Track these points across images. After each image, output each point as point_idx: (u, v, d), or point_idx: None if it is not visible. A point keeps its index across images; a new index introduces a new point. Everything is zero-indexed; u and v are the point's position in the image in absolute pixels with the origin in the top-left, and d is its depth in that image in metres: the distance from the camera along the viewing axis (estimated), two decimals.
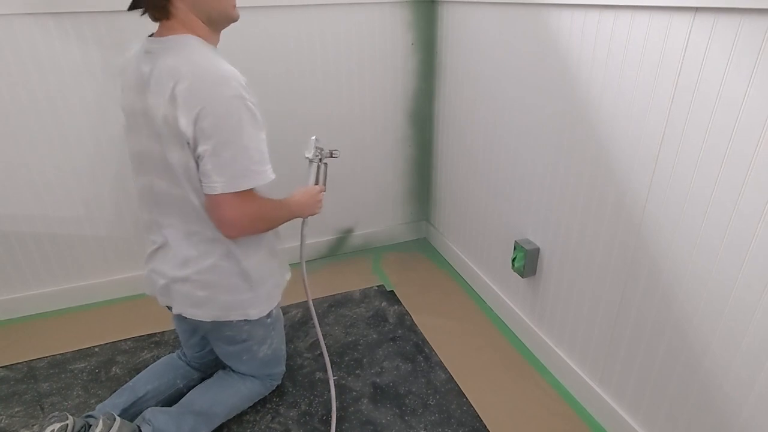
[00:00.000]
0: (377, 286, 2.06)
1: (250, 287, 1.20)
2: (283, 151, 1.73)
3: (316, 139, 1.36)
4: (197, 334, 1.40)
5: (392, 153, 2.21)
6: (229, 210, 1.04)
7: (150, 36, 1.07)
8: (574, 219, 1.37)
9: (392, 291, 2.02)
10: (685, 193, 1.02)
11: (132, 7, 1.05)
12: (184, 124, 0.96)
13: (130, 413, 1.29)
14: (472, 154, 1.88)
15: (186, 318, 1.20)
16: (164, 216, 1.13)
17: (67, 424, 1.13)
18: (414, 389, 1.52)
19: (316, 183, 1.36)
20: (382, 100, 2.08)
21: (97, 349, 1.73)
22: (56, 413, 1.16)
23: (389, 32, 1.96)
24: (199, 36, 1.04)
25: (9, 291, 1.86)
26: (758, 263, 0.90)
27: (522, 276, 1.59)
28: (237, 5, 1.10)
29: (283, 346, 1.45)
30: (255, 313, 1.23)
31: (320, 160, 1.37)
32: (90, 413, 1.24)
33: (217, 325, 1.23)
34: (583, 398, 1.45)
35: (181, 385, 1.42)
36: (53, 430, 1.11)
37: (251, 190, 1.04)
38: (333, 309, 1.92)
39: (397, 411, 1.44)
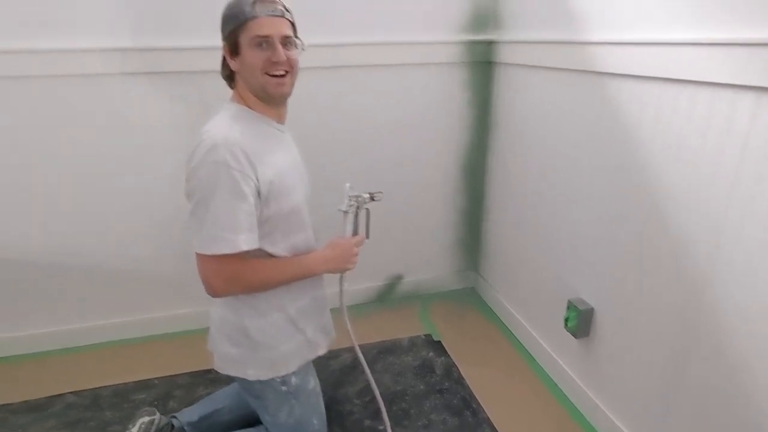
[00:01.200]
0: (425, 335, 2.07)
1: (251, 347, 1.17)
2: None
3: (350, 187, 1.28)
4: None
5: (444, 203, 2.26)
6: (202, 269, 1.05)
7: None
8: (630, 280, 1.36)
9: (439, 341, 2.03)
10: (755, 257, 1.01)
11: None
12: (184, 180, 1.07)
13: (208, 422, 1.43)
14: (523, 208, 1.91)
15: None
16: None
17: (154, 419, 1.34)
18: None
19: (355, 233, 1.28)
20: (436, 153, 2.16)
21: (156, 381, 1.81)
22: (146, 407, 1.38)
23: (447, 90, 2.06)
24: (250, 105, 1.14)
25: (80, 320, 2.00)
26: None
27: (575, 336, 1.57)
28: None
29: (316, 420, 1.31)
30: (253, 374, 1.18)
31: (357, 209, 1.28)
32: (174, 414, 1.40)
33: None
34: None
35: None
36: (143, 421, 1.33)
37: (226, 254, 1.02)
38: (382, 356, 1.94)
39: None
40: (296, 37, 1.13)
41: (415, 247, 2.32)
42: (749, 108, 0.98)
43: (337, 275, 1.29)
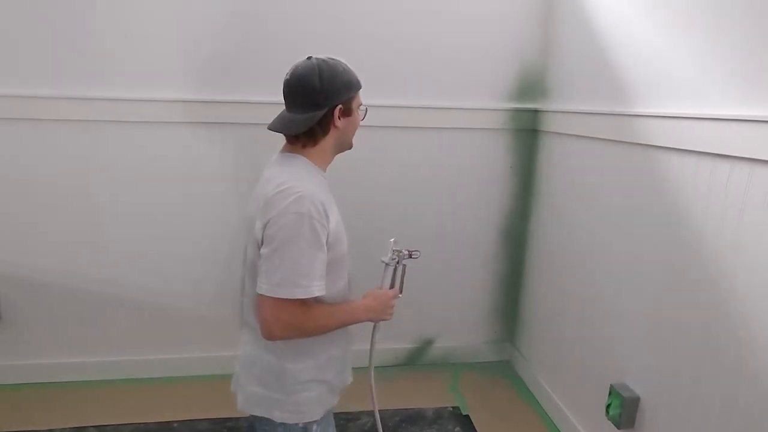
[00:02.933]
0: (452, 407, 1.95)
1: (281, 389, 1.18)
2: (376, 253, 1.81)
3: (395, 242, 1.34)
4: None
5: (481, 268, 2.20)
6: (267, 312, 1.08)
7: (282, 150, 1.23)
8: (684, 370, 1.24)
9: (467, 415, 1.90)
10: None
11: (271, 128, 1.23)
12: (258, 227, 1.09)
13: None
14: (565, 281, 1.82)
15: None
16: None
17: None
18: None
19: (391, 287, 1.32)
20: (477, 216, 2.13)
21: (176, 425, 1.79)
22: None
23: (491, 155, 2.07)
24: (311, 158, 1.18)
25: (105, 353, 2.03)
26: None
27: (617, 427, 1.43)
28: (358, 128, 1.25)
29: None
30: (279, 416, 1.18)
31: (397, 262, 1.33)
32: None
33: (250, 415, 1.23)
34: None
35: None
36: None
37: (292, 299, 1.06)
38: (404, 425, 1.84)
39: None
40: None
41: (449, 311, 2.24)
42: None
43: (369, 328, 1.32)
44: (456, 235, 2.14)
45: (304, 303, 1.09)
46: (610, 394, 1.46)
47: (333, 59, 1.18)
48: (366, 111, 1.25)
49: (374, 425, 1.80)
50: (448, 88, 1.98)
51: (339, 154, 1.26)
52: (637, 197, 1.40)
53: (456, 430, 1.82)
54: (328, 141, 1.21)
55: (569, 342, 1.79)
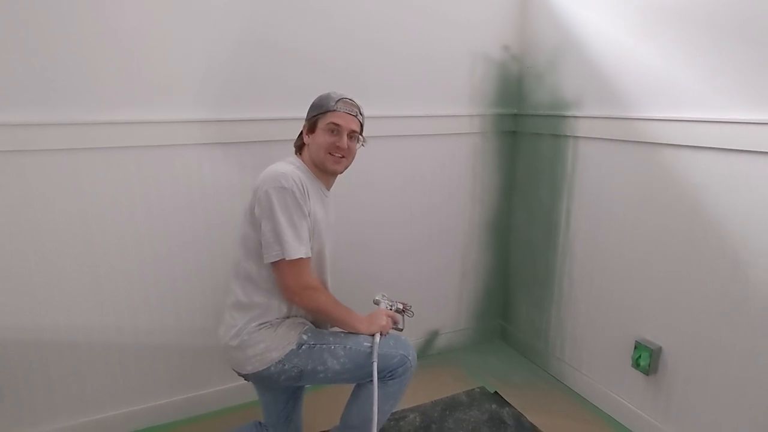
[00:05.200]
0: (479, 388, 2.13)
1: (271, 331, 1.40)
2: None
3: (383, 296, 1.59)
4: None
5: (472, 259, 2.41)
6: (282, 275, 1.38)
7: None
8: (701, 321, 1.57)
9: (496, 392, 2.10)
10: None
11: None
12: (251, 203, 1.40)
13: None
14: (551, 261, 2.10)
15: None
16: None
17: None
18: None
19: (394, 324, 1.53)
20: (464, 213, 2.32)
21: None
22: None
23: (477, 156, 2.27)
24: (310, 168, 1.46)
25: (114, 407, 1.83)
26: None
27: (646, 374, 1.73)
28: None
29: (361, 338, 1.44)
30: (277, 355, 1.38)
31: (390, 308, 1.55)
32: None
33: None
34: None
35: None
36: None
37: (302, 260, 1.35)
38: (448, 413, 1.97)
39: None
40: (361, 134, 1.48)
41: (448, 301, 2.41)
42: None
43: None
44: (447, 231, 2.31)
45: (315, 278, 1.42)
46: (636, 348, 1.76)
47: (331, 91, 1.47)
48: (363, 141, 1.49)
49: (423, 420, 1.92)
50: (438, 98, 2.12)
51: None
52: (639, 187, 1.71)
53: (493, 407, 2.01)
54: (305, 154, 1.48)
55: (564, 313, 2.08)
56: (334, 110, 1.41)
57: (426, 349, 2.41)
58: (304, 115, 1.48)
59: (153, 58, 1.62)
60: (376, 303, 1.58)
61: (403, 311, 1.57)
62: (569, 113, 1.97)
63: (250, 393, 1.94)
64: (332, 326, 1.51)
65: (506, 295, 2.52)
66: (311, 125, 1.45)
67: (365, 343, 1.43)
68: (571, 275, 2.07)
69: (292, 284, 1.35)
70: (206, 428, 1.87)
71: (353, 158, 1.49)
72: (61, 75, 1.52)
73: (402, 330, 1.57)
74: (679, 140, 1.57)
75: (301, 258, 1.33)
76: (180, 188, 1.74)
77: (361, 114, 1.47)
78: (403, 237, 2.21)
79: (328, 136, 1.41)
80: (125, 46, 1.58)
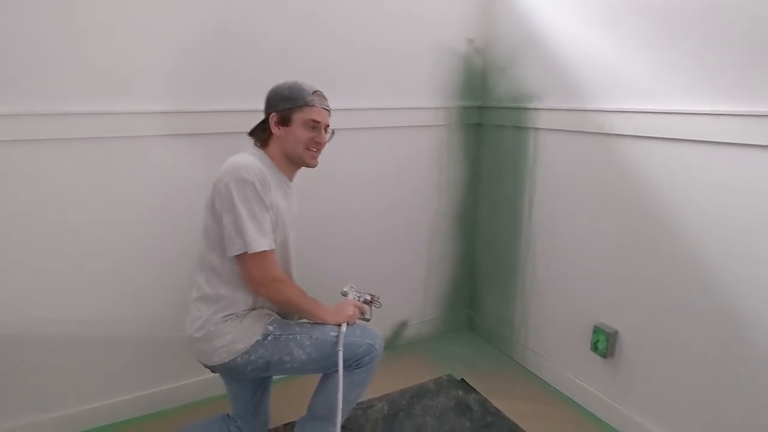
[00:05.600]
0: (446, 376, 2.18)
1: (237, 322, 1.40)
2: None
3: (351, 287, 1.60)
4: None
5: (439, 250, 2.45)
6: (246, 269, 1.38)
7: None
8: (652, 306, 1.64)
9: (463, 379, 2.15)
10: None
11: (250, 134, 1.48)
12: (211, 198, 1.42)
13: None
14: (514, 249, 2.16)
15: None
16: None
17: None
18: None
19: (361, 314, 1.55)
20: (430, 205, 2.36)
21: None
22: None
23: (443, 148, 2.31)
24: (274, 160, 1.44)
25: (83, 402, 1.80)
26: None
27: (604, 357, 1.81)
28: None
29: (328, 329, 1.45)
30: (242, 346, 1.38)
31: (358, 298, 1.57)
32: None
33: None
34: None
35: None
36: None
37: (265, 253, 1.34)
38: (416, 400, 2.00)
39: None
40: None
41: (416, 292, 2.45)
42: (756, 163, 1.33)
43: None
44: (411, 222, 2.34)
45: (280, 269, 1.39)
46: (594, 332, 1.83)
47: (296, 81, 1.45)
48: (333, 133, 1.49)
49: (390, 408, 1.95)
50: (406, 90, 2.14)
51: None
52: (583, 174, 1.78)
53: (460, 393, 2.05)
54: (273, 146, 1.45)
55: (524, 301, 2.15)
56: (312, 106, 1.41)
57: (394, 340, 2.44)
58: None
59: (115, 48, 1.59)
60: (344, 294, 1.60)
61: (371, 302, 1.60)
62: (531, 105, 2.03)
63: (218, 386, 1.94)
64: (300, 318, 1.52)
65: (473, 285, 2.58)
66: (284, 118, 1.42)
67: (331, 333, 1.44)
68: (534, 264, 2.14)
69: (257, 276, 1.35)
70: (174, 422, 1.85)
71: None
72: (18, 64, 1.48)
73: (369, 320, 1.59)
74: (632, 131, 1.64)
75: (265, 251, 1.33)
76: (145, 180, 1.71)
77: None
78: (369, 230, 2.23)
79: (308, 131, 1.41)
80: (85, 36, 1.55)
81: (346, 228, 2.17)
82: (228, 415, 1.62)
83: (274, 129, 1.42)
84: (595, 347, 1.83)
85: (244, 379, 1.56)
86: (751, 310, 1.38)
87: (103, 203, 1.67)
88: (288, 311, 1.51)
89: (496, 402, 1.99)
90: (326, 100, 1.47)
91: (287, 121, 1.41)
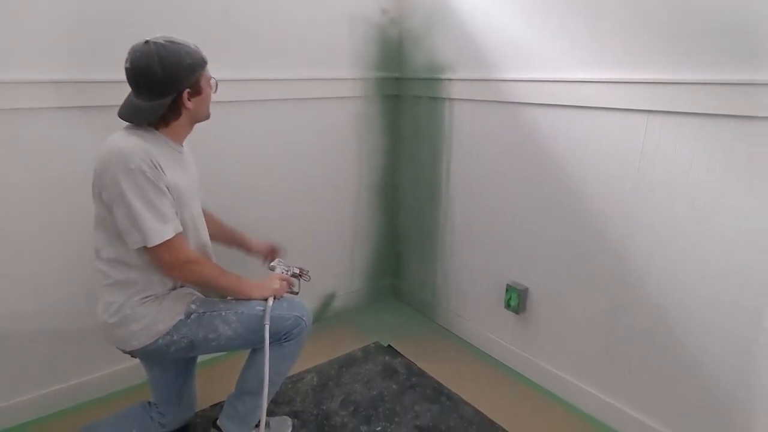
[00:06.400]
0: (373, 344, 2.24)
1: (155, 306, 1.35)
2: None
3: (279, 261, 1.60)
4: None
5: (362, 221, 2.48)
6: (155, 258, 1.29)
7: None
8: (557, 266, 1.78)
9: (390, 345, 2.22)
10: (661, 228, 1.49)
11: (121, 116, 1.31)
12: (98, 189, 1.28)
13: None
14: (434, 218, 2.24)
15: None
16: None
17: None
18: (452, 424, 1.73)
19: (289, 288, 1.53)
20: (350, 176, 2.36)
21: None
22: None
23: (362, 120, 2.31)
24: (170, 133, 1.33)
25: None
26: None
27: (516, 313, 1.94)
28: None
29: (254, 303, 1.42)
30: (163, 327, 1.34)
31: (286, 272, 1.56)
32: None
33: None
34: (580, 402, 1.81)
35: None
36: None
37: (170, 241, 1.27)
38: (345, 369, 2.04)
39: None
40: None
41: (342, 264, 2.47)
42: (641, 128, 1.46)
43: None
44: (334, 195, 2.34)
45: (179, 241, 1.28)
46: (507, 290, 1.96)
47: (172, 42, 1.26)
48: (216, 85, 1.39)
49: (320, 379, 1.98)
50: (322, 61, 2.10)
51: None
52: (500, 140, 1.87)
53: (387, 359, 2.12)
54: (182, 121, 1.34)
55: (442, 264, 2.25)
56: (206, 61, 1.33)
57: (322, 312, 2.45)
58: None
59: None
60: (272, 269, 1.58)
61: (300, 275, 1.58)
62: (444, 76, 2.08)
63: (136, 375, 1.86)
64: (225, 297, 1.46)
65: (397, 254, 2.64)
66: (196, 88, 1.30)
67: (258, 307, 1.41)
68: (453, 229, 2.23)
69: (168, 262, 1.27)
70: (90, 415, 1.75)
71: None
72: None
73: (298, 293, 1.57)
74: (535, 99, 1.73)
75: (170, 238, 1.25)
76: (32, 158, 1.55)
77: None
78: (292, 203, 2.20)
79: (209, 87, 1.37)
80: None
81: (268, 203, 2.12)
82: (149, 402, 1.56)
83: (188, 104, 1.30)
84: (508, 304, 1.96)
85: (167, 362, 1.51)
86: (637, 268, 1.55)
87: None
88: (211, 292, 1.46)
89: (421, 364, 2.08)
90: None
91: (199, 90, 1.32)
